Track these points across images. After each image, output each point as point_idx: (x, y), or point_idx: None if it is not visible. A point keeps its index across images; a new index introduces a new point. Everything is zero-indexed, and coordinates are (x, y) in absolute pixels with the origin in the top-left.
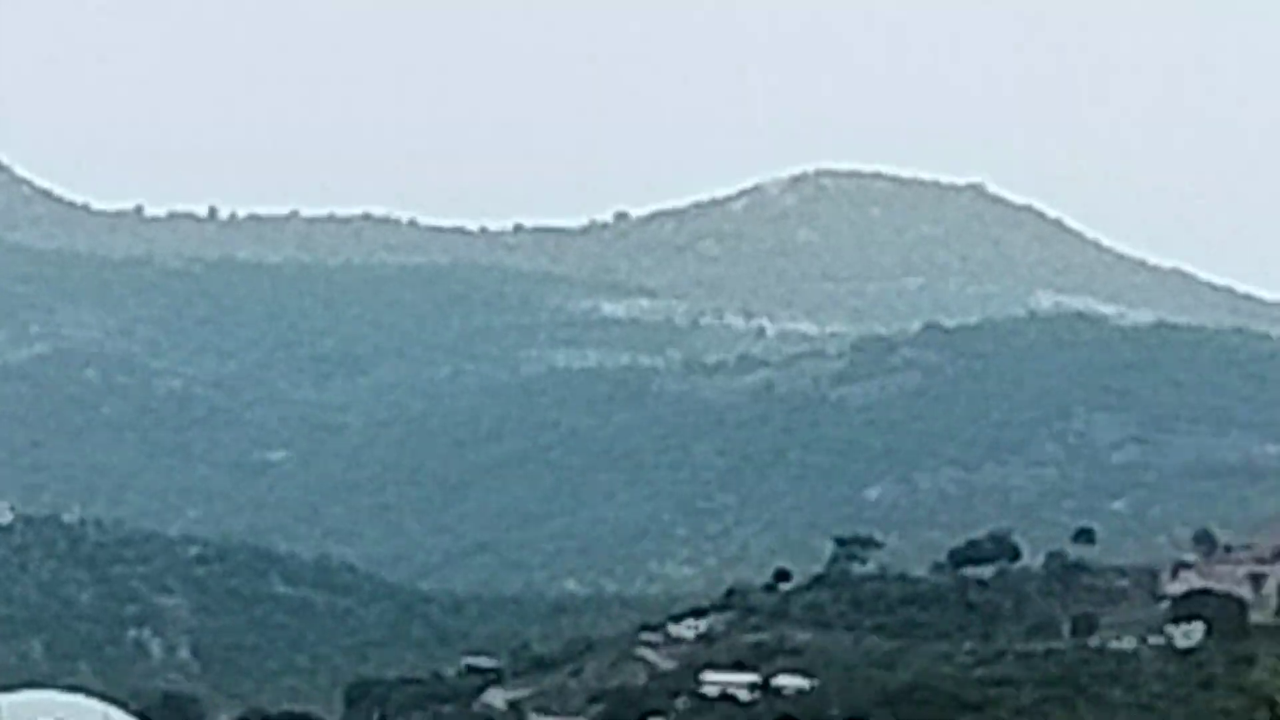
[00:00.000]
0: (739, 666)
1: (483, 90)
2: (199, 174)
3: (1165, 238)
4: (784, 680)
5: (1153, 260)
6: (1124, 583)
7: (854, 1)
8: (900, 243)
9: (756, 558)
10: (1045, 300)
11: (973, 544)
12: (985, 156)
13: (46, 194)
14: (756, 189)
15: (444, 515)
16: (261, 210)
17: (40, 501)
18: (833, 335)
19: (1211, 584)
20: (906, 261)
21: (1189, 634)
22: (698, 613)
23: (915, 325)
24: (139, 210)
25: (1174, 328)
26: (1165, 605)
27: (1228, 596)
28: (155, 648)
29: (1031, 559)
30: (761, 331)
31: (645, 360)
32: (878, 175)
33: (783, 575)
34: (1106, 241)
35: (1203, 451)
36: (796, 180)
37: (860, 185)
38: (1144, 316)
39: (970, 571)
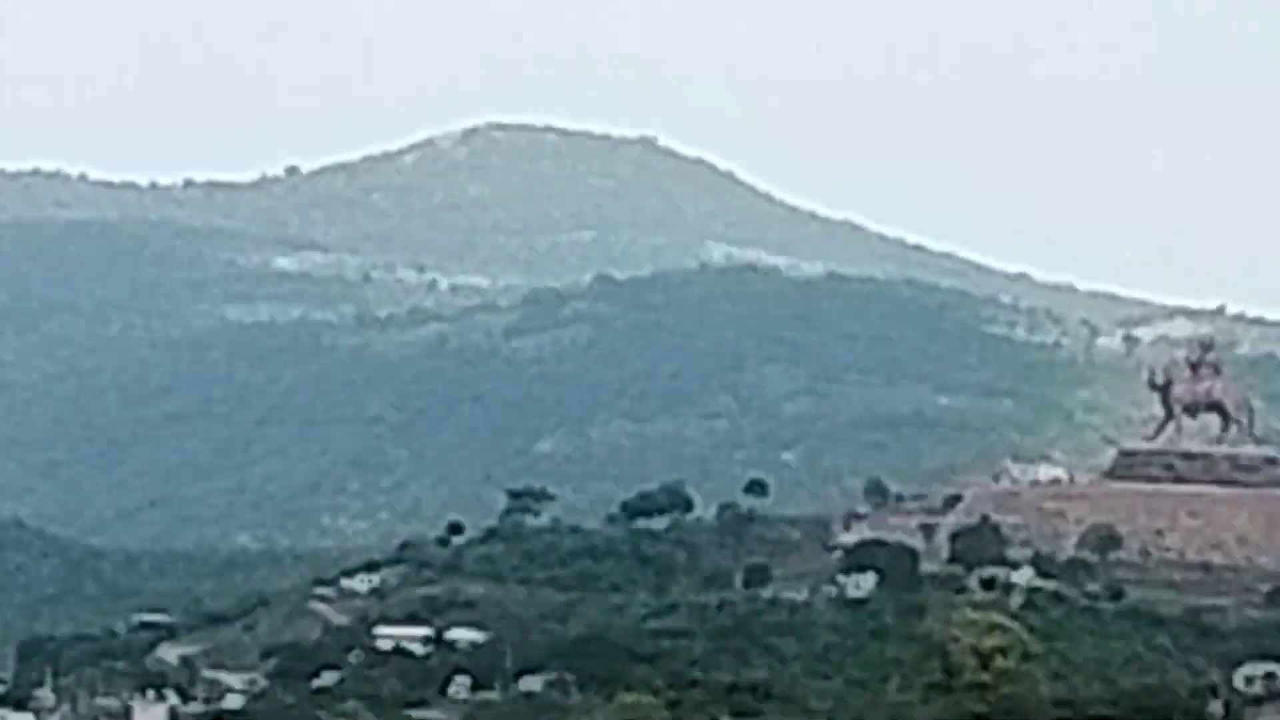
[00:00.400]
0: (412, 620)
1: (149, 44)
2: None
3: (835, 190)
4: (457, 633)
5: (823, 212)
6: (796, 534)
7: None
8: (571, 195)
9: (429, 511)
10: (717, 252)
11: (645, 496)
12: (656, 110)
13: None
14: (428, 143)
15: (115, 471)
16: None
17: None
18: (505, 288)
19: (883, 534)
20: (578, 214)
21: (861, 584)
22: (371, 567)
23: (587, 278)
24: None
25: (844, 279)
26: (837, 556)
27: (899, 547)
28: None
29: (704, 510)
30: (433, 285)
31: (317, 314)
32: (548, 129)
33: (455, 529)
34: (777, 194)
35: (874, 402)
36: (467, 134)
37: (531, 138)
38: (815, 268)
39: (643, 523)
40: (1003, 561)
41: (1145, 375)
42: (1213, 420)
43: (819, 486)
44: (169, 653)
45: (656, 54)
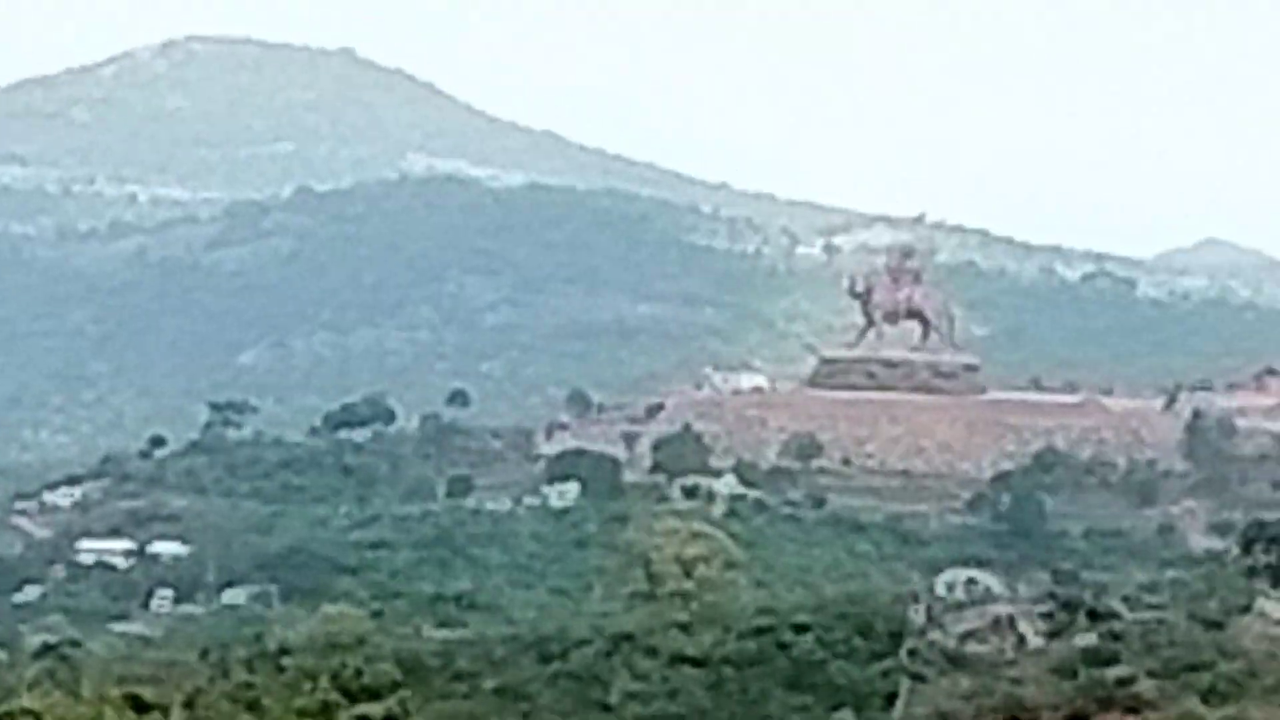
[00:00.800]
0: (115, 534)
1: None
2: None
3: (536, 101)
4: (160, 547)
5: (524, 123)
6: (498, 444)
7: None
8: (271, 108)
9: (132, 425)
10: (417, 164)
11: (347, 408)
12: (355, 22)
13: None
14: (127, 55)
15: None
16: None
17: None
18: (205, 201)
19: (585, 444)
20: (278, 127)
21: (563, 494)
22: (73, 480)
23: (287, 190)
24: None
25: (545, 189)
26: (540, 466)
27: (601, 456)
28: None
29: (407, 422)
30: (134, 198)
31: (17, 228)
32: (248, 40)
33: (157, 441)
34: (478, 105)
35: (575, 312)
36: (166, 46)
37: (230, 51)
38: (515, 179)
39: (345, 435)
40: (705, 470)
41: (845, 283)
42: (913, 327)
43: (521, 397)
44: None
45: None
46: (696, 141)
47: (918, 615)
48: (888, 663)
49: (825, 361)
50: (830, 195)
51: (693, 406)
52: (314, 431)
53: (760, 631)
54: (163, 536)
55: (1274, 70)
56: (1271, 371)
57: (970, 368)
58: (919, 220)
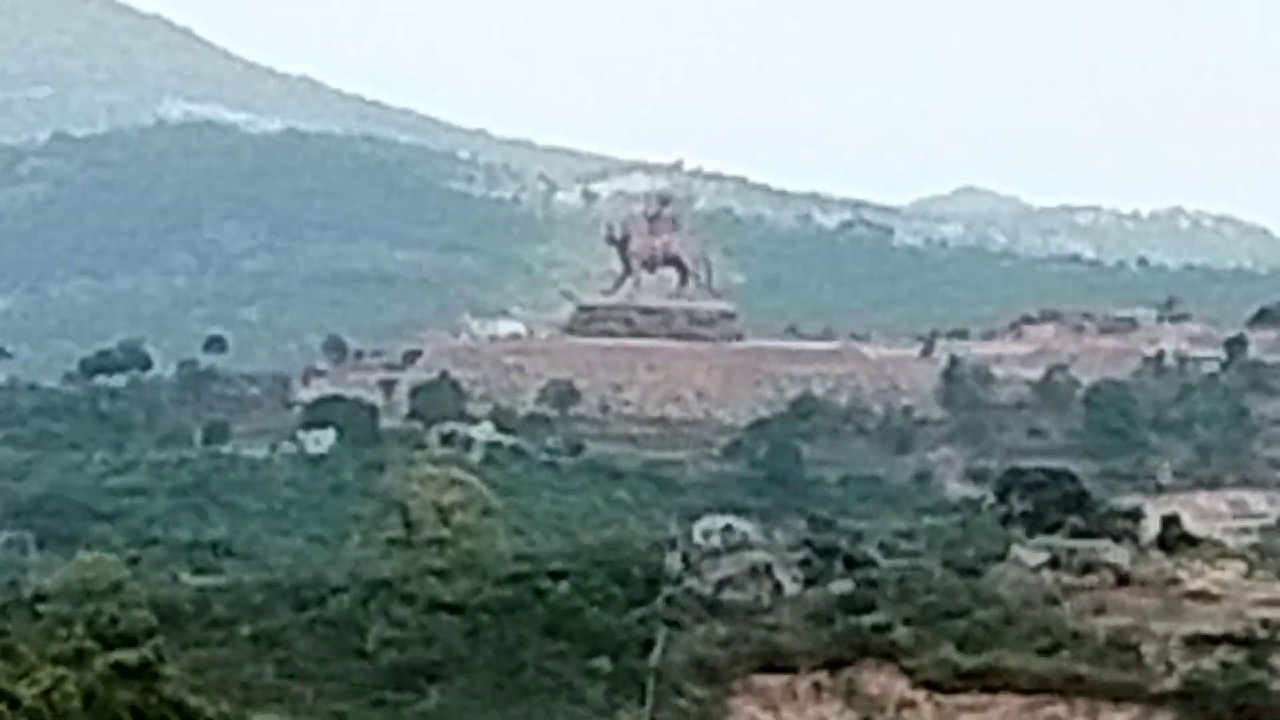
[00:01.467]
0: None
1: None
2: None
3: (293, 46)
4: None
5: (281, 68)
6: (256, 390)
7: None
8: (26, 52)
9: None
10: (174, 109)
11: (104, 354)
12: None
13: None
14: None
15: None
16: None
17: None
18: None
19: (342, 390)
20: (33, 71)
21: (320, 440)
22: None
23: (43, 135)
24: None
25: (302, 135)
26: (296, 412)
27: (358, 403)
28: None
29: (163, 368)
30: None
31: None
32: None
33: None
34: (235, 50)
35: (332, 258)
36: None
37: None
38: (273, 124)
39: (102, 381)
40: (462, 417)
41: (603, 230)
42: (670, 274)
43: (278, 343)
44: None
45: None
46: (454, 87)
47: (674, 562)
48: (644, 610)
49: (583, 309)
50: (588, 142)
51: (450, 353)
52: (69, 378)
53: (517, 579)
54: None
55: (1030, 19)
56: (1028, 319)
57: (727, 315)
58: (676, 167)
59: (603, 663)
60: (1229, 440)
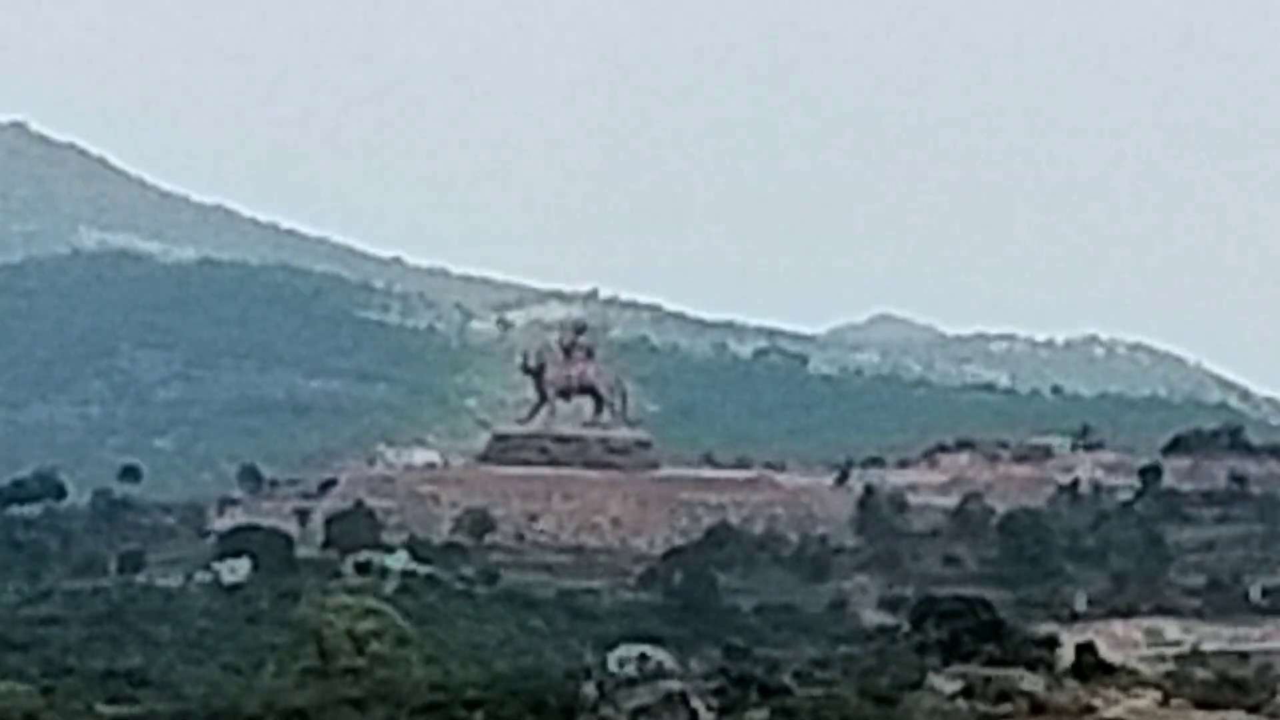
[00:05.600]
0: None
1: None
2: None
3: (208, 176)
4: None
5: (196, 197)
6: (170, 519)
7: None
8: None
9: None
10: (89, 238)
11: (18, 483)
12: (26, 94)
13: None
14: None
15: None
16: None
17: None
18: None
19: (257, 519)
20: None
21: (235, 569)
22: None
23: None
24: None
25: (217, 264)
26: (211, 541)
27: (273, 531)
28: None
29: (78, 497)
30: None
31: None
32: None
33: None
34: (150, 179)
35: (247, 387)
36: None
37: None
38: (187, 253)
39: (17, 511)
40: (377, 546)
41: (518, 359)
42: (586, 403)
43: (193, 472)
44: None
45: (25, 38)
46: (369, 215)
47: (590, 691)
48: None
49: (498, 437)
50: (504, 270)
51: (365, 482)
52: None
53: (432, 708)
54: None
55: (948, 145)
56: (943, 448)
57: (643, 444)
58: (591, 295)
59: None
60: (1144, 568)
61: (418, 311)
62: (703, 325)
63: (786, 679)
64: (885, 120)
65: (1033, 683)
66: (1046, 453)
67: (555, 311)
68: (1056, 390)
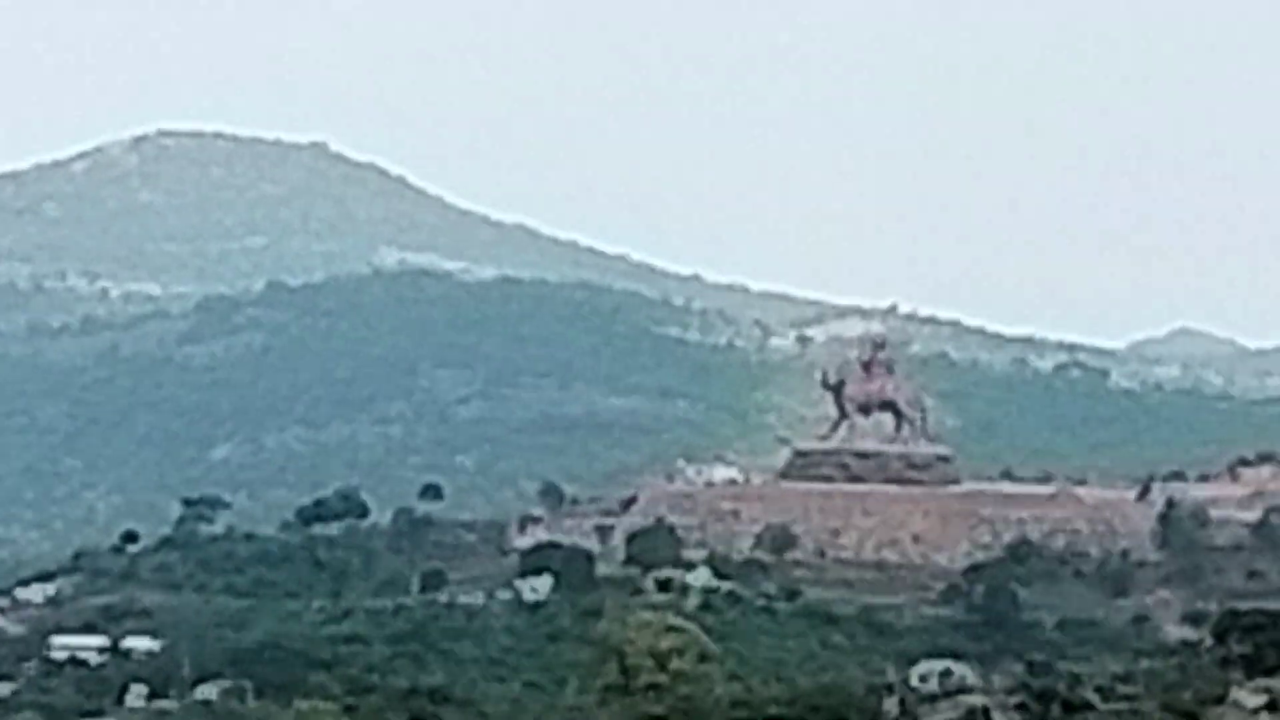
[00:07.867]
0: (88, 629)
1: None
2: None
3: (507, 193)
4: (133, 642)
5: (495, 216)
6: (472, 537)
7: None
8: (243, 202)
9: (104, 520)
10: (389, 258)
11: (320, 502)
12: (326, 116)
13: None
14: (98, 150)
15: None
16: None
17: None
18: (176, 296)
19: (558, 537)
20: (249, 221)
21: (537, 587)
22: (45, 576)
23: (259, 284)
24: None
25: (517, 283)
26: (513, 559)
27: (574, 549)
28: None
29: (379, 516)
30: (105, 293)
31: None
32: (219, 135)
33: (130, 537)
34: (449, 198)
35: (547, 405)
36: (138, 141)
37: (201, 145)
38: (487, 272)
39: (319, 530)
40: (678, 563)
41: (818, 375)
42: (886, 419)
43: (494, 490)
44: None
45: (326, 59)
46: (669, 233)
47: (892, 707)
48: None
49: (798, 453)
50: (803, 287)
51: (666, 499)
52: (286, 526)
53: None
54: (136, 632)
55: (1246, 159)
56: (1245, 462)
57: (943, 459)
58: (891, 311)
59: None
60: None
61: (717, 328)
62: (1002, 340)
63: (1089, 694)
64: (1184, 136)
65: None
66: None
67: (854, 327)
68: None
